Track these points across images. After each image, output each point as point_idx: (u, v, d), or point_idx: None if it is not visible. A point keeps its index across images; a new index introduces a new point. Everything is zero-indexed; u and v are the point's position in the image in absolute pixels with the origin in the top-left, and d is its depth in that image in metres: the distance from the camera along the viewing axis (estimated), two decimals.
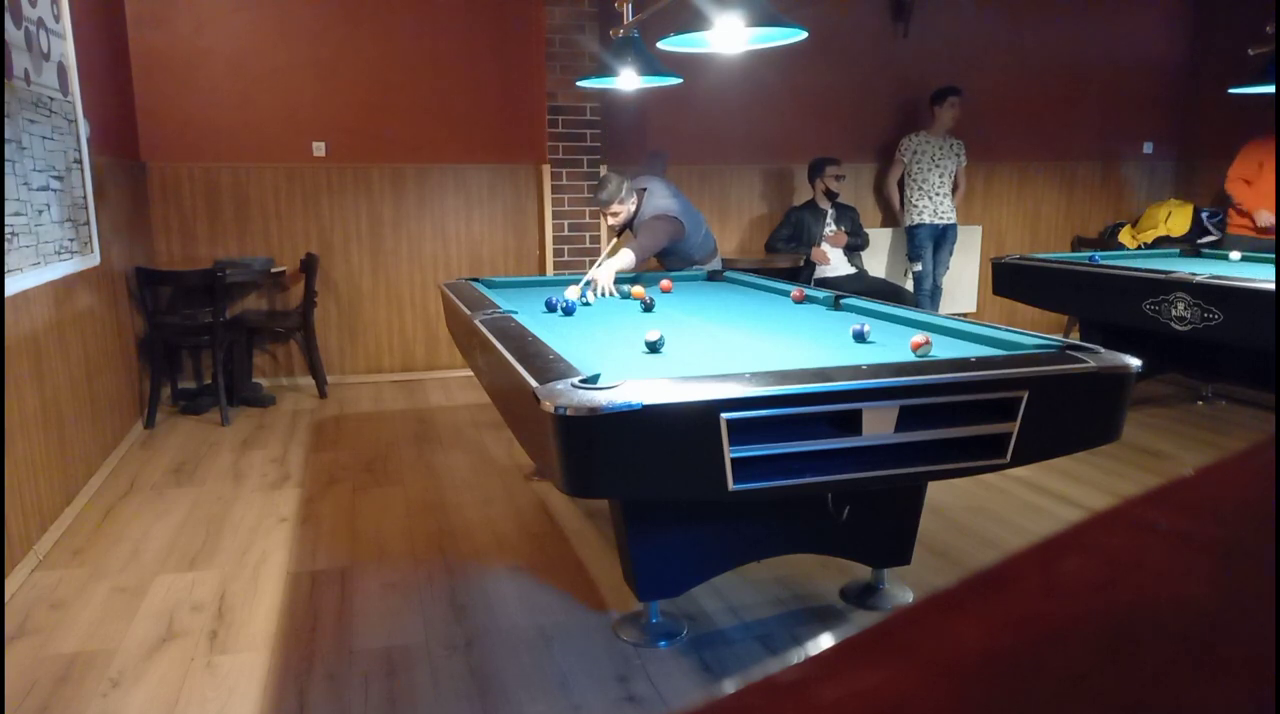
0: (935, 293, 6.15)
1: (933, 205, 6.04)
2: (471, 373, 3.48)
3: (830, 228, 5.64)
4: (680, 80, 3.61)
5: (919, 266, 6.07)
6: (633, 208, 4.07)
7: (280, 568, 2.99)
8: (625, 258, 3.72)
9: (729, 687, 0.33)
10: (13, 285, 2.96)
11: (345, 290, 5.64)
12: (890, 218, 6.39)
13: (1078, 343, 2.31)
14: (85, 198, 3.89)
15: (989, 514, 3.36)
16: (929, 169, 6.02)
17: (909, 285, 6.28)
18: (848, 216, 5.73)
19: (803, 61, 5.85)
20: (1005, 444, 2.12)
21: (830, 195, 5.65)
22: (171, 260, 5.27)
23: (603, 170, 5.76)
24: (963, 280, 6.59)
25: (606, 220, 4.13)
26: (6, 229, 2.93)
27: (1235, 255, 4.80)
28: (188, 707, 2.21)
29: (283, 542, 3.20)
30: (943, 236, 6.11)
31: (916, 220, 6.07)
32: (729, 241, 6.26)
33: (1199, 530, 0.41)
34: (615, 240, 4.31)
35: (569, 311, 3.25)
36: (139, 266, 4.69)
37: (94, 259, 3.95)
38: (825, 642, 0.35)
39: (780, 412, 1.97)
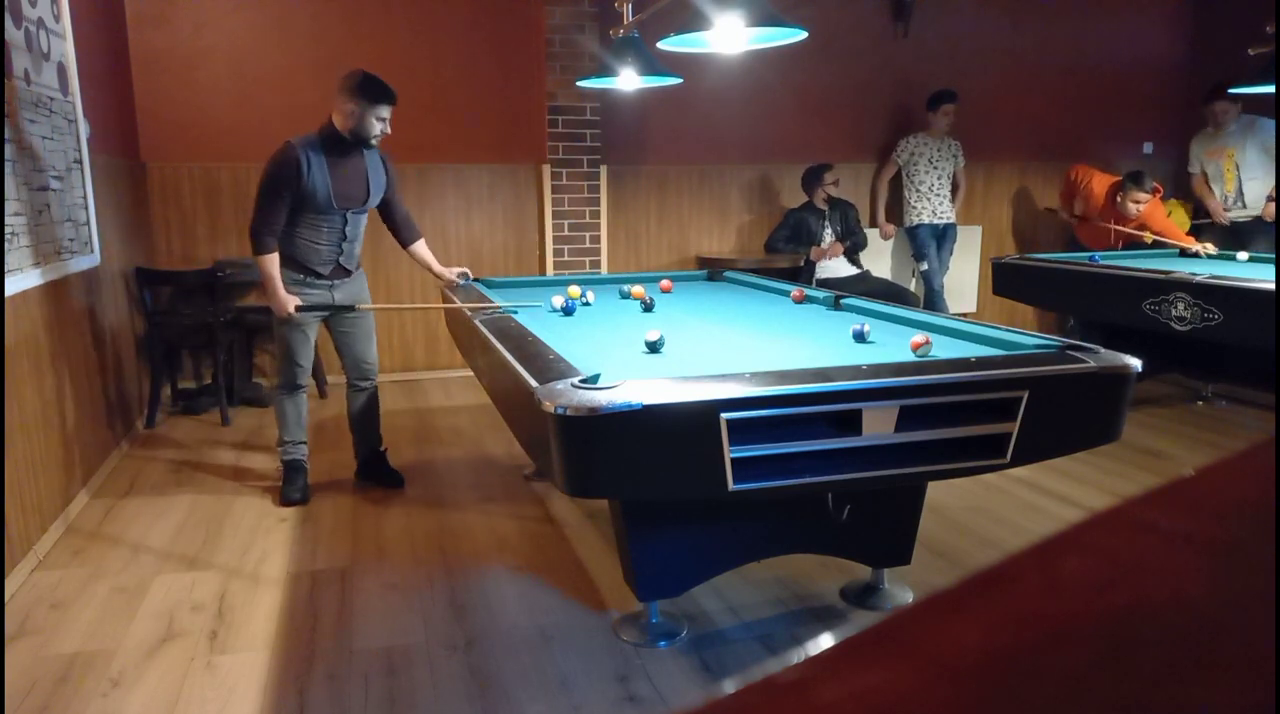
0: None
1: (930, 206, 6.04)
2: (471, 373, 3.48)
3: (829, 237, 5.65)
4: (680, 80, 3.61)
5: (925, 265, 6.07)
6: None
7: (280, 568, 2.99)
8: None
9: (729, 687, 0.33)
10: (13, 285, 2.95)
11: None
12: (889, 218, 6.37)
13: (1078, 343, 2.31)
14: (85, 198, 3.88)
15: (989, 514, 3.36)
16: (926, 171, 6.03)
17: (915, 286, 6.28)
18: (847, 214, 5.73)
19: (802, 61, 5.85)
20: (1005, 444, 2.12)
21: (829, 201, 5.67)
22: (171, 260, 5.26)
23: (603, 170, 5.76)
24: (963, 280, 6.59)
25: (381, 126, 3.35)
26: (6, 229, 2.93)
27: (1243, 255, 4.80)
28: (188, 707, 2.21)
29: (283, 542, 3.20)
30: (942, 236, 6.12)
31: (915, 221, 6.08)
32: (728, 241, 6.26)
33: (1199, 530, 0.41)
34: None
35: (569, 311, 3.26)
36: (139, 267, 4.69)
37: (94, 259, 3.95)
38: (825, 642, 0.35)
39: (780, 412, 1.97)
